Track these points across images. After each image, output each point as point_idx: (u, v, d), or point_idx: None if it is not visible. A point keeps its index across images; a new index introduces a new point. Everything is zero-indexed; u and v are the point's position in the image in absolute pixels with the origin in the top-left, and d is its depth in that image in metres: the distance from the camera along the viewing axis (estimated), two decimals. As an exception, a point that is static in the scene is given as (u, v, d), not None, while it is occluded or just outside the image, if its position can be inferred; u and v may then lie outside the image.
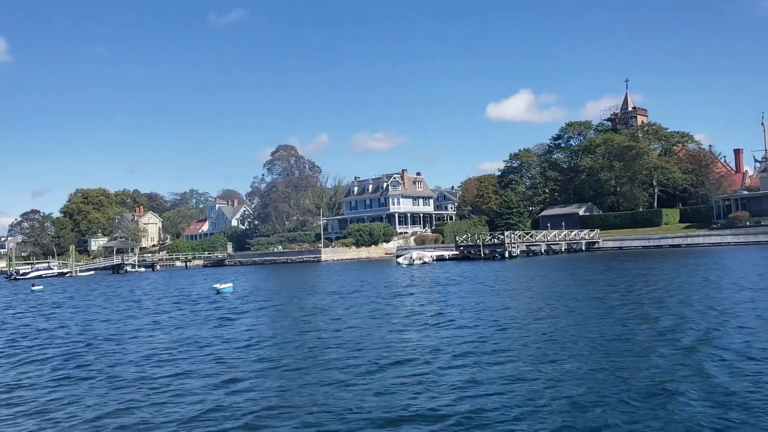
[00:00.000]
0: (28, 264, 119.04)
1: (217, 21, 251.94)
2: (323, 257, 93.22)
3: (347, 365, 12.37)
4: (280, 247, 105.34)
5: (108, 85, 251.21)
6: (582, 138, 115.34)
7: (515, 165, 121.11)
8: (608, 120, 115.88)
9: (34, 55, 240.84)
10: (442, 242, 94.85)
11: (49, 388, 12.09)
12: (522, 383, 10.23)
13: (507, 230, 69.61)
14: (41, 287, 51.62)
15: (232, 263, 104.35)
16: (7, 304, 37.00)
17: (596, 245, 78.95)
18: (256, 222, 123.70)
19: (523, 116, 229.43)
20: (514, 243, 64.02)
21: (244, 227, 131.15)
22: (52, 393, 11.60)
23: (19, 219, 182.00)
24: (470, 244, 65.74)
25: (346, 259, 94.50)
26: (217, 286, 32.80)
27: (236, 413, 9.33)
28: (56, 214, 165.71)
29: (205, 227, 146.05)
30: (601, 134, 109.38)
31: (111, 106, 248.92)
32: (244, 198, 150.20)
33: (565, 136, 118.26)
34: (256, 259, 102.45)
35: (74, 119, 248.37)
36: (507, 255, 62.38)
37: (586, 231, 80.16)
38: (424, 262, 59.21)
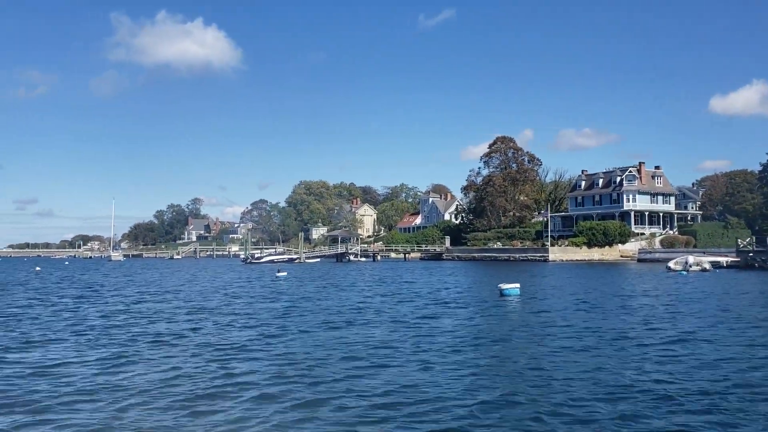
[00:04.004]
0: (257, 249, 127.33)
1: (427, 22, 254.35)
2: (551, 256, 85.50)
3: None
4: (499, 243, 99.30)
5: (326, 88, 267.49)
6: None
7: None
8: None
9: (265, 63, 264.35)
10: (694, 246, 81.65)
11: None
12: None
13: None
14: (285, 273, 51.22)
15: (450, 257, 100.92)
16: (296, 293, 35.47)
17: None
18: (470, 216, 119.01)
19: (756, 110, 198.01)
20: (821, 250, 50.84)
21: (457, 222, 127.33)
22: None
23: (249, 208, 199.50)
24: (760, 249, 53.52)
25: (576, 260, 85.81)
26: (503, 286, 27.39)
27: None
28: (282, 204, 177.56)
29: (418, 220, 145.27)
30: None
31: (327, 107, 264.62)
32: (454, 193, 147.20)
33: None
34: (475, 254, 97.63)
35: (294, 119, 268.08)
36: (811, 265, 49.68)
37: None
38: (704, 269, 49.08)
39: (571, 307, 23.29)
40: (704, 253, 60.76)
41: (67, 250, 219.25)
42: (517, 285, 27.52)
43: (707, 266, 50.00)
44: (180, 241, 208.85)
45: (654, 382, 10.86)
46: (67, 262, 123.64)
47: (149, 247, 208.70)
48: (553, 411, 9.08)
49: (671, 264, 50.72)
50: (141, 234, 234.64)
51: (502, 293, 27.03)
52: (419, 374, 11.61)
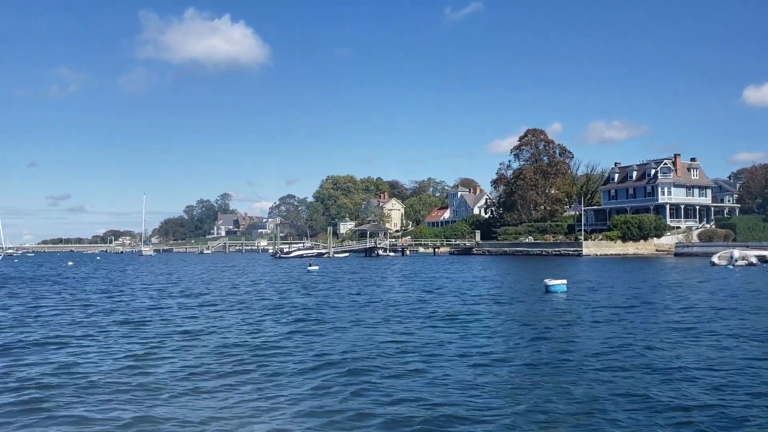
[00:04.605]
0: (285, 244, 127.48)
1: (453, 15, 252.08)
2: (584, 251, 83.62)
3: None
4: (530, 237, 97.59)
5: (352, 84, 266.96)
6: None
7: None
8: None
9: (292, 59, 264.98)
10: (734, 239, 79.07)
11: None
12: None
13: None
14: (317, 268, 50.71)
15: (480, 252, 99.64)
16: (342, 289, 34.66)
17: None
18: (500, 210, 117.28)
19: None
20: None
21: (486, 216, 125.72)
22: None
23: (277, 203, 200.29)
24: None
25: (610, 254, 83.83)
26: (548, 281, 26.10)
27: None
28: (309, 199, 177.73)
29: (447, 214, 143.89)
30: None
31: (354, 102, 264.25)
32: (483, 187, 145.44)
33: None
34: (506, 249, 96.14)
35: (321, 114, 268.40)
36: None
37: None
38: (750, 263, 47.11)
39: (625, 303, 21.91)
40: (747, 246, 58.39)
41: (98, 245, 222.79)
42: (564, 281, 26.07)
43: (754, 260, 47.98)
44: (209, 236, 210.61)
45: (741, 386, 9.72)
46: (98, 257, 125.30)
47: (179, 242, 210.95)
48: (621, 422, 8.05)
49: (715, 258, 48.71)
50: (171, 229, 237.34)
51: (547, 289, 25.73)
52: (467, 376, 10.64)
